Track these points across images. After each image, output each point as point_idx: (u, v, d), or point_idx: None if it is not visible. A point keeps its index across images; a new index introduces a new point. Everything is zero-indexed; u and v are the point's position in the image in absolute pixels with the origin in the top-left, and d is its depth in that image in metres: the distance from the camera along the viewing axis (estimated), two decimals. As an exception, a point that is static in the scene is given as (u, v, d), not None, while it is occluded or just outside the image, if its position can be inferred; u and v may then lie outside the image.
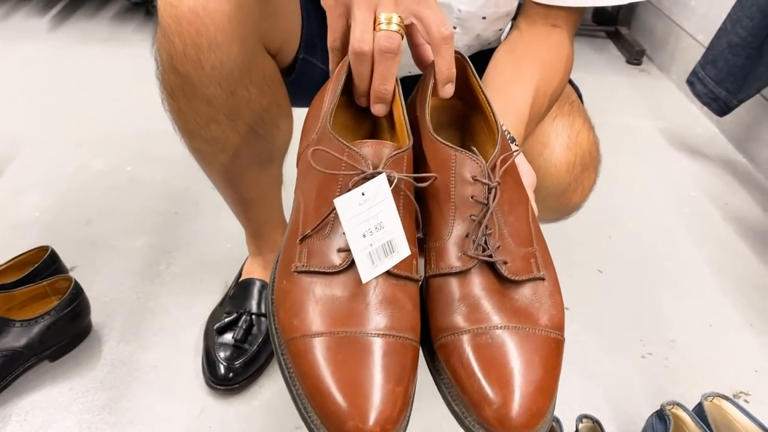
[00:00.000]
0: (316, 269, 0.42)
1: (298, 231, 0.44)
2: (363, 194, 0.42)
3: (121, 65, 1.77)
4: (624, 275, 1.10)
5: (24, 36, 1.97)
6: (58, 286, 0.87)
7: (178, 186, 1.25)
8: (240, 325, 0.85)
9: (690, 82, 1.42)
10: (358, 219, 0.42)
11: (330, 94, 0.50)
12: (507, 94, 0.61)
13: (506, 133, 0.55)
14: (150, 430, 0.78)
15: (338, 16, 0.49)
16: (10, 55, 1.84)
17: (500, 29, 0.76)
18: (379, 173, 0.42)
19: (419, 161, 0.48)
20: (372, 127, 0.58)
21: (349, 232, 0.42)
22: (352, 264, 0.41)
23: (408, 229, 0.44)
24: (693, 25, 1.80)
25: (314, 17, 0.69)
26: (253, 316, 0.87)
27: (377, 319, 0.40)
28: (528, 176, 0.50)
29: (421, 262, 0.46)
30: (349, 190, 0.42)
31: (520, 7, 0.71)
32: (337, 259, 0.42)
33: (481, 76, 0.65)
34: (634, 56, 2.03)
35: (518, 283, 0.43)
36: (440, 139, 0.46)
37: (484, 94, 0.51)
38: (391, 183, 0.42)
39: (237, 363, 0.82)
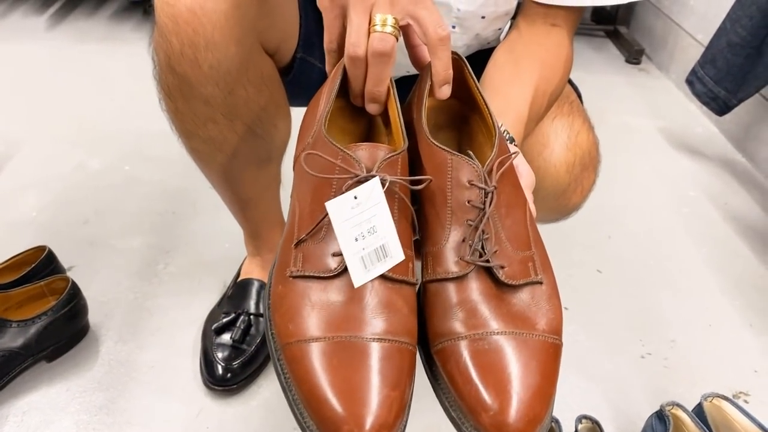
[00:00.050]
0: (311, 274, 0.42)
1: (294, 236, 0.44)
2: (355, 197, 0.42)
3: (118, 64, 1.76)
4: (623, 275, 1.10)
5: (21, 35, 1.96)
6: (56, 286, 0.87)
7: (176, 185, 1.24)
8: (238, 325, 0.85)
9: (689, 82, 1.41)
10: (350, 223, 0.42)
11: (325, 97, 0.50)
12: (506, 94, 0.60)
13: (505, 133, 0.55)
14: (148, 430, 0.78)
15: (334, 18, 0.49)
16: (8, 53, 1.83)
17: (499, 29, 0.76)
18: (373, 176, 0.42)
19: (416, 165, 0.47)
20: (369, 128, 0.58)
21: (341, 235, 0.41)
22: (347, 268, 0.41)
23: (403, 233, 0.44)
24: (692, 24, 1.80)
25: (312, 17, 0.69)
26: (252, 317, 0.86)
27: (373, 324, 0.40)
28: (527, 177, 0.50)
29: (418, 265, 0.46)
30: (343, 193, 0.42)
31: (519, 6, 0.71)
32: (332, 263, 0.42)
33: (480, 76, 0.65)
34: (633, 55, 2.03)
35: (516, 288, 0.43)
36: (436, 143, 0.45)
37: (481, 94, 0.51)
38: (383, 185, 0.42)
39: (235, 363, 0.82)
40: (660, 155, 1.52)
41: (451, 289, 0.42)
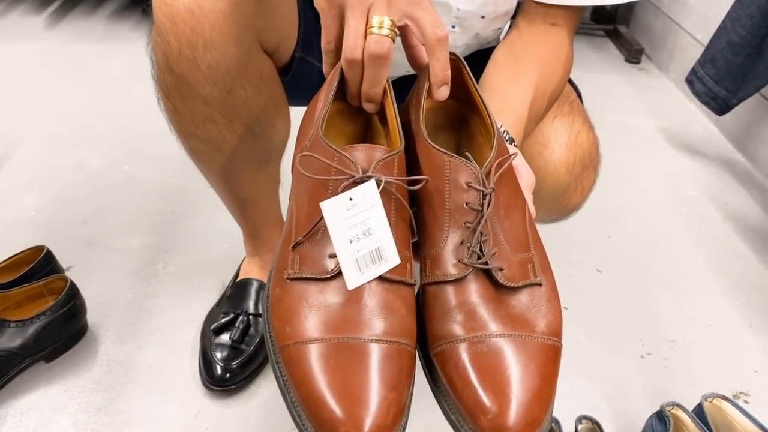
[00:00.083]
0: (308, 275, 0.42)
1: (291, 238, 0.44)
2: (351, 199, 0.42)
3: (117, 63, 1.76)
4: (623, 275, 1.10)
5: (20, 34, 1.96)
6: (54, 286, 0.86)
7: (175, 185, 1.24)
8: (237, 325, 0.84)
9: (689, 81, 1.41)
10: (345, 224, 0.41)
11: (323, 99, 0.50)
12: (506, 95, 0.60)
13: (505, 134, 0.55)
14: (146, 431, 0.78)
15: (332, 19, 0.49)
16: (6, 52, 1.83)
17: (499, 28, 0.76)
18: (368, 177, 0.42)
19: (414, 166, 0.47)
20: (367, 130, 0.57)
21: (335, 237, 0.41)
22: None
23: (401, 234, 0.43)
24: (692, 23, 1.79)
25: (311, 16, 0.69)
26: (250, 317, 0.86)
27: (371, 325, 0.40)
28: (527, 178, 0.50)
29: (417, 267, 0.46)
30: (338, 194, 0.42)
31: (519, 6, 0.71)
32: (329, 265, 0.41)
33: (479, 76, 0.65)
34: (633, 55, 2.02)
35: (515, 290, 0.43)
36: (434, 145, 0.45)
37: (480, 95, 0.51)
38: (378, 186, 0.42)
39: (234, 364, 0.82)
40: (660, 155, 1.52)
41: (450, 291, 0.42)
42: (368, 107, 0.51)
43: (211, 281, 1.00)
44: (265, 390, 0.84)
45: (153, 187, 1.25)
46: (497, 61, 0.67)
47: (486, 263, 0.42)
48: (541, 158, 0.69)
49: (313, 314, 0.40)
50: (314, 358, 0.38)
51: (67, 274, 0.92)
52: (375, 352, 0.39)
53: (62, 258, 0.95)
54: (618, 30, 2.16)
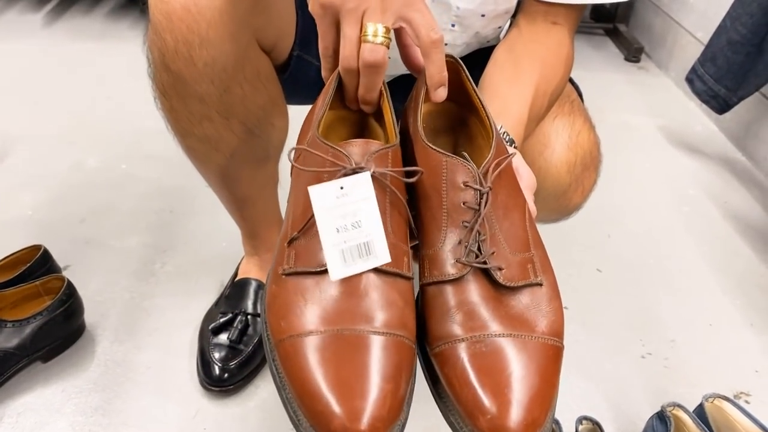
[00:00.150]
0: (303, 269, 0.41)
1: (288, 236, 0.43)
2: (342, 188, 0.41)
3: (115, 62, 1.75)
4: (623, 274, 1.09)
5: (18, 32, 1.95)
6: (51, 285, 0.86)
7: (174, 184, 1.24)
8: (235, 325, 0.84)
9: (689, 80, 1.41)
10: (333, 212, 0.41)
11: (320, 102, 0.51)
12: (506, 95, 0.60)
13: (505, 135, 0.55)
14: (144, 431, 0.77)
15: (328, 26, 0.49)
16: (4, 51, 1.82)
17: (499, 27, 0.75)
18: (362, 169, 0.42)
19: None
20: (365, 133, 0.57)
21: (321, 224, 0.41)
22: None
23: (397, 227, 0.43)
24: (692, 22, 1.79)
25: (309, 14, 0.68)
26: (249, 317, 0.86)
27: (367, 317, 0.39)
28: (527, 178, 0.50)
29: (415, 268, 0.45)
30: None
31: (519, 4, 0.70)
32: (324, 258, 0.41)
33: (479, 75, 0.65)
34: (633, 53, 2.02)
35: (515, 290, 0.42)
36: (430, 145, 0.45)
37: (478, 96, 0.51)
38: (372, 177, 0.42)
39: (232, 364, 0.82)
40: (659, 154, 1.52)
41: (449, 291, 0.42)
42: (366, 108, 0.52)
43: (210, 281, 1.00)
44: (264, 390, 0.83)
45: (151, 186, 1.24)
46: (497, 61, 0.66)
47: (484, 262, 0.42)
48: (541, 158, 0.69)
49: (309, 308, 0.40)
50: (309, 350, 0.38)
51: (65, 273, 0.92)
52: (371, 343, 0.38)
53: (59, 257, 0.95)
54: (617, 28, 2.16)
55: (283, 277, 0.42)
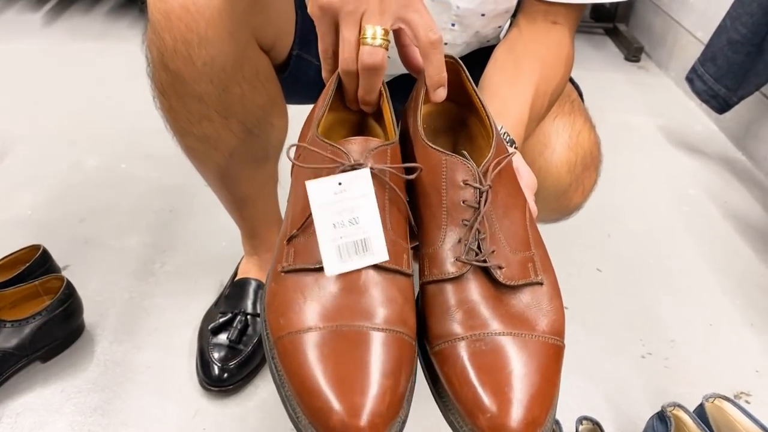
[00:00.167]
0: (302, 267, 0.41)
1: (287, 234, 0.43)
2: (340, 183, 0.41)
3: (115, 61, 1.75)
4: (623, 274, 1.09)
5: (17, 32, 1.95)
6: (50, 285, 0.86)
7: (173, 183, 1.24)
8: (235, 325, 0.84)
9: (689, 79, 1.41)
10: (330, 208, 0.41)
11: (321, 103, 0.51)
12: (506, 95, 0.60)
13: (505, 135, 0.55)
14: (143, 431, 0.77)
15: (327, 27, 0.49)
16: (3, 50, 1.82)
17: (499, 26, 0.75)
18: (361, 165, 0.42)
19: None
20: (364, 134, 0.57)
21: (317, 219, 0.41)
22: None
23: (397, 224, 0.43)
24: (692, 21, 1.79)
25: (308, 13, 0.68)
26: (248, 317, 0.86)
27: (366, 313, 0.39)
28: (528, 178, 0.50)
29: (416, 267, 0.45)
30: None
31: (519, 4, 0.70)
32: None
33: (479, 74, 0.65)
34: (633, 53, 2.02)
35: (515, 289, 0.42)
36: (430, 144, 0.45)
37: (479, 96, 0.51)
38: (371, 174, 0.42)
39: (231, 364, 0.81)
40: (659, 153, 1.51)
41: (449, 290, 0.42)
42: (366, 109, 0.52)
43: (209, 281, 1.00)
44: (263, 390, 0.83)
45: (151, 185, 1.24)
46: (497, 61, 0.66)
47: (484, 261, 0.41)
48: (542, 158, 0.68)
49: (308, 304, 0.40)
50: (308, 347, 0.37)
51: (64, 273, 0.92)
52: (370, 339, 0.38)
53: (59, 257, 0.95)
54: (617, 28, 2.16)
55: (282, 274, 0.42)
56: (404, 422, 0.38)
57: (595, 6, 2.25)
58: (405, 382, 0.38)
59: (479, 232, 0.42)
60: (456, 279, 0.42)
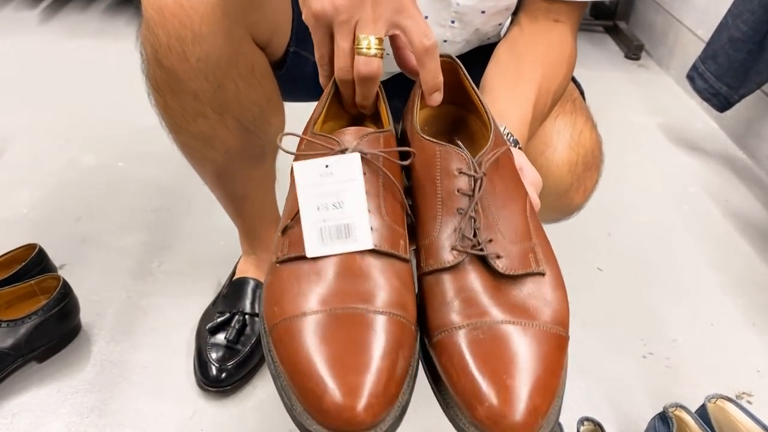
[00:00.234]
0: (297, 255, 0.41)
1: (282, 226, 0.43)
2: (327, 166, 0.41)
3: (112, 59, 1.74)
4: (624, 273, 1.08)
5: (14, 29, 1.94)
6: (46, 284, 0.85)
7: (171, 182, 1.23)
8: (233, 325, 0.83)
9: (690, 77, 1.40)
10: (315, 190, 0.41)
11: (318, 108, 0.51)
12: (509, 96, 0.60)
13: (509, 136, 0.55)
14: (140, 433, 0.76)
15: (322, 36, 0.48)
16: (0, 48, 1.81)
17: (500, 24, 0.74)
18: (349, 150, 0.42)
19: (410, 164, 0.47)
20: None
21: (302, 200, 0.41)
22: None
23: (391, 210, 0.43)
24: (693, 19, 1.78)
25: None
26: (247, 316, 0.85)
27: (361, 296, 0.38)
28: (532, 176, 0.49)
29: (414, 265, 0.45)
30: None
31: (520, 1, 0.70)
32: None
33: (480, 72, 0.65)
34: (633, 51, 2.01)
35: (515, 279, 0.41)
36: (424, 136, 0.45)
37: (477, 94, 0.50)
38: (362, 159, 0.42)
39: (229, 364, 0.81)
40: (660, 152, 1.51)
41: (447, 279, 0.41)
42: (364, 111, 0.52)
43: (207, 280, 0.99)
44: (262, 391, 0.83)
45: (148, 184, 1.23)
46: (499, 60, 0.66)
47: (481, 249, 0.40)
48: (543, 157, 0.68)
49: (302, 291, 0.39)
50: (301, 331, 0.37)
51: (60, 272, 0.91)
52: (366, 321, 0.37)
53: (55, 256, 0.94)
54: (617, 26, 2.15)
55: (278, 265, 0.41)
56: (404, 408, 0.37)
57: (595, 3, 2.25)
58: (404, 365, 0.37)
59: (475, 221, 0.41)
60: (453, 268, 0.41)
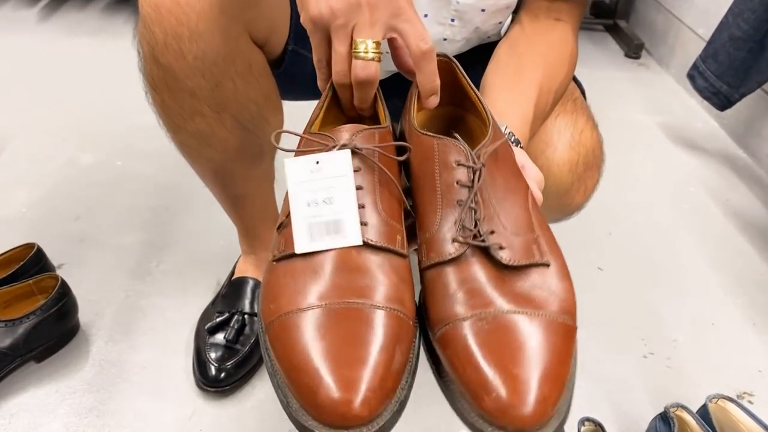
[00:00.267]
0: (292, 252, 0.41)
1: (278, 224, 0.44)
2: (318, 162, 0.41)
3: (110, 57, 1.74)
4: (624, 273, 1.08)
5: (12, 27, 1.94)
6: (45, 284, 0.85)
7: (170, 181, 1.22)
8: (232, 325, 0.83)
9: (691, 76, 1.40)
10: (306, 186, 0.41)
11: (316, 111, 0.51)
12: (510, 95, 0.59)
13: (510, 135, 0.54)
14: (138, 433, 0.76)
15: (319, 40, 0.48)
16: (-2, 46, 1.81)
17: (500, 22, 0.74)
18: (344, 147, 0.42)
19: (408, 162, 0.47)
20: None
21: (292, 196, 0.41)
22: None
23: (387, 206, 0.43)
24: (693, 18, 1.78)
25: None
26: (246, 316, 0.85)
27: (358, 291, 0.38)
28: (535, 174, 0.49)
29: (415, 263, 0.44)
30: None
31: (521, 0, 0.69)
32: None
33: (480, 71, 0.65)
34: (633, 50, 2.01)
35: (520, 270, 0.40)
36: (421, 131, 0.45)
37: (474, 92, 0.50)
38: (355, 153, 0.42)
39: (228, 364, 0.80)
40: (660, 151, 1.50)
41: (449, 272, 0.40)
42: (362, 114, 0.52)
43: (206, 280, 0.99)
44: (261, 391, 0.82)
45: (147, 183, 1.23)
46: (500, 60, 0.65)
47: (483, 240, 0.40)
48: (543, 157, 0.67)
49: (298, 287, 0.39)
50: (296, 326, 0.36)
51: (59, 271, 0.91)
52: (362, 315, 0.37)
53: (53, 255, 0.94)
54: (618, 25, 2.14)
55: (274, 264, 0.41)
56: (402, 404, 0.36)
57: (595, 2, 2.24)
58: (401, 359, 0.36)
59: (475, 212, 0.41)
60: (455, 260, 0.40)
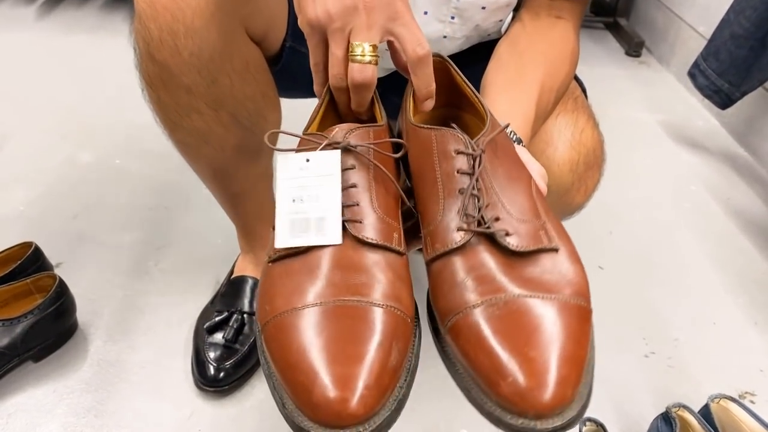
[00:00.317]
0: (286, 252, 0.41)
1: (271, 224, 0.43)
2: (308, 160, 0.41)
3: (109, 55, 1.72)
4: (625, 272, 1.08)
5: (10, 25, 1.93)
6: (42, 283, 0.84)
7: (169, 179, 1.22)
8: (231, 324, 0.82)
9: (691, 74, 1.39)
10: (292, 182, 0.41)
11: (314, 113, 0.51)
12: (511, 94, 0.59)
13: (512, 134, 0.54)
14: (137, 433, 0.76)
15: (317, 43, 0.48)
16: (-4, 44, 1.80)
17: (500, 20, 0.73)
18: (336, 145, 0.42)
19: (407, 159, 0.47)
20: None
21: (279, 191, 0.41)
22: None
23: (384, 203, 0.42)
24: (694, 16, 1.77)
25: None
26: (245, 315, 0.84)
27: (354, 289, 0.38)
28: (538, 170, 0.48)
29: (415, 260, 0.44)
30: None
31: None
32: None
33: (481, 70, 0.64)
34: (634, 48, 2.00)
35: (528, 256, 0.39)
36: (418, 124, 0.45)
37: (470, 87, 0.50)
38: (349, 151, 0.42)
39: (227, 363, 0.80)
40: (660, 149, 1.50)
41: (456, 260, 0.39)
42: (359, 116, 0.52)
43: (205, 279, 0.98)
44: (260, 391, 0.82)
45: (145, 181, 1.22)
46: (501, 58, 0.65)
47: (488, 227, 0.39)
48: (544, 156, 0.67)
49: (294, 286, 0.38)
50: (292, 326, 0.36)
51: (57, 270, 0.90)
52: (358, 313, 0.36)
53: (51, 254, 0.93)
54: (618, 23, 2.14)
55: (270, 264, 0.41)
56: (401, 402, 0.35)
57: (595, 0, 2.24)
58: (398, 356, 0.36)
59: (478, 199, 0.40)
60: (461, 249, 0.39)
